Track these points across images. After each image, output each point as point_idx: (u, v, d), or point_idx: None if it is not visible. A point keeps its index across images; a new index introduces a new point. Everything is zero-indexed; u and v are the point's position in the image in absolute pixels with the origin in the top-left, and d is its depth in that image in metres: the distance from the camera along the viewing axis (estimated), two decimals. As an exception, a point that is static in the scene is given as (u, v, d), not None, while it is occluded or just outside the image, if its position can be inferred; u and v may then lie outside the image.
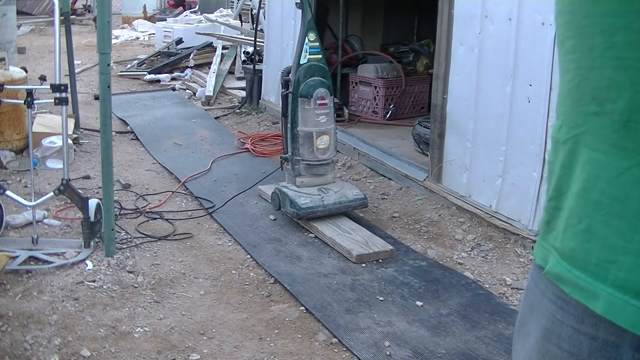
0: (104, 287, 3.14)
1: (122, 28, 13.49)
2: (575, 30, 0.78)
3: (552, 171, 0.86)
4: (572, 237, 0.80)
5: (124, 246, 3.58)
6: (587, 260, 0.77)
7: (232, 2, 12.07)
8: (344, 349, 2.73)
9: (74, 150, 5.17)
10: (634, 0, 0.69)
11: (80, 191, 3.74)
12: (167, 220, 4.02)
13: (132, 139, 5.83)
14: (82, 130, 5.69)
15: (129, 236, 3.72)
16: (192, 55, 8.60)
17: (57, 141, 4.80)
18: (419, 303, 3.08)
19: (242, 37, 8.55)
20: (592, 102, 0.76)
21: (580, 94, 0.78)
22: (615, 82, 0.73)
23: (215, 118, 6.59)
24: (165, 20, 11.59)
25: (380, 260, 3.50)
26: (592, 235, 0.77)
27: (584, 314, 0.78)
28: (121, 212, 4.05)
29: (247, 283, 3.29)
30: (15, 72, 5.03)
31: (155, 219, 4.04)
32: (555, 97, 0.88)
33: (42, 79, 3.90)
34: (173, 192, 4.50)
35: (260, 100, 6.85)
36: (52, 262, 3.31)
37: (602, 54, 0.74)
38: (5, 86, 3.86)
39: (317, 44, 3.91)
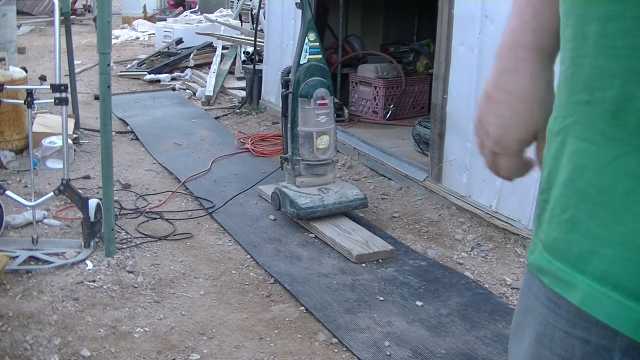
0: (104, 287, 3.14)
1: (122, 28, 13.49)
2: (573, 18, 0.77)
3: (545, 163, 0.84)
4: (556, 228, 0.79)
5: (124, 246, 3.58)
6: (568, 251, 0.76)
7: (232, 2, 12.07)
8: (344, 349, 2.73)
9: (74, 150, 5.17)
10: None
11: (80, 191, 3.74)
12: (167, 220, 4.02)
13: (132, 139, 5.83)
14: (82, 130, 5.69)
15: (129, 236, 3.72)
16: (192, 55, 8.60)
17: (57, 141, 4.80)
18: (419, 303, 3.08)
19: (242, 37, 8.55)
20: (583, 91, 0.75)
21: (574, 83, 0.77)
22: (607, 70, 0.72)
23: (215, 118, 6.59)
24: (165, 20, 11.59)
25: (380, 260, 3.50)
26: (575, 225, 0.76)
27: (576, 318, 0.77)
28: (121, 212, 4.05)
29: (247, 283, 3.29)
30: (15, 72, 5.03)
31: (155, 219, 4.04)
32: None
33: (42, 79, 3.90)
34: (173, 192, 4.50)
35: (260, 100, 6.85)
36: (52, 262, 3.31)
37: (596, 42, 0.73)
38: (5, 86, 3.86)
39: (317, 44, 3.91)
